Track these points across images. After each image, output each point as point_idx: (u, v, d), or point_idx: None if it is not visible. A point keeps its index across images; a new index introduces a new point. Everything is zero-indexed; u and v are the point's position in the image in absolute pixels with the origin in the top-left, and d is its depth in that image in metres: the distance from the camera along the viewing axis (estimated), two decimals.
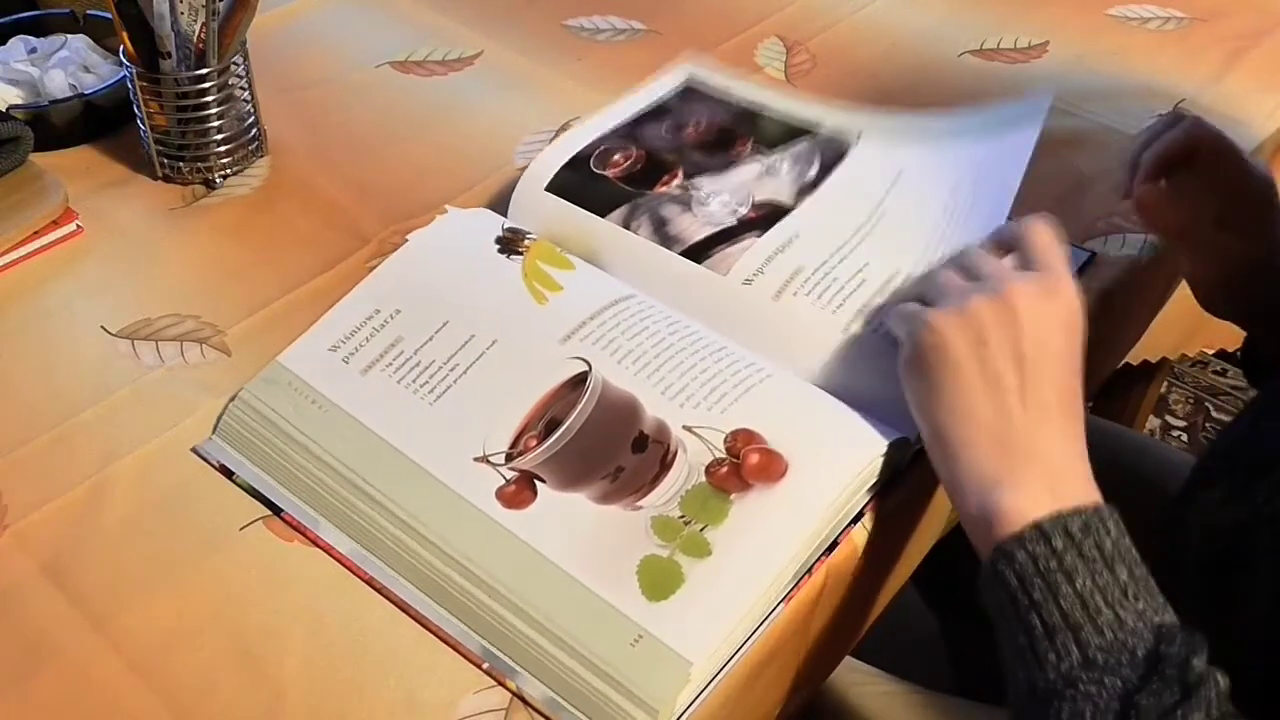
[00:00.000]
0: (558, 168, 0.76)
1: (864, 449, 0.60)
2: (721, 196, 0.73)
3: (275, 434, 0.63)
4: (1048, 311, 0.56)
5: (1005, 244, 0.61)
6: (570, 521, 0.58)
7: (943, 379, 0.56)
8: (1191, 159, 0.70)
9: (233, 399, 0.66)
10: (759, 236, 0.70)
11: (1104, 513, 0.52)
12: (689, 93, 0.82)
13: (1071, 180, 0.85)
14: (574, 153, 0.77)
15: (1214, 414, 1.73)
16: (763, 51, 0.99)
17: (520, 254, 0.71)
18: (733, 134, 0.79)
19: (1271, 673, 0.54)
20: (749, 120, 0.80)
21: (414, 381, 0.65)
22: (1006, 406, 0.55)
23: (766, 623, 0.56)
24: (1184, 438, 1.70)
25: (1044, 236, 0.59)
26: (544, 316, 0.67)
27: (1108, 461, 0.93)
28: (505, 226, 0.73)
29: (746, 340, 0.65)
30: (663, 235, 0.71)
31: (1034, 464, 0.54)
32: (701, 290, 0.68)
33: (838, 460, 0.60)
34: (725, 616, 0.55)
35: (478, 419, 0.62)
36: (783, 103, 0.81)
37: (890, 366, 0.61)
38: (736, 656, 0.55)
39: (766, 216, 0.72)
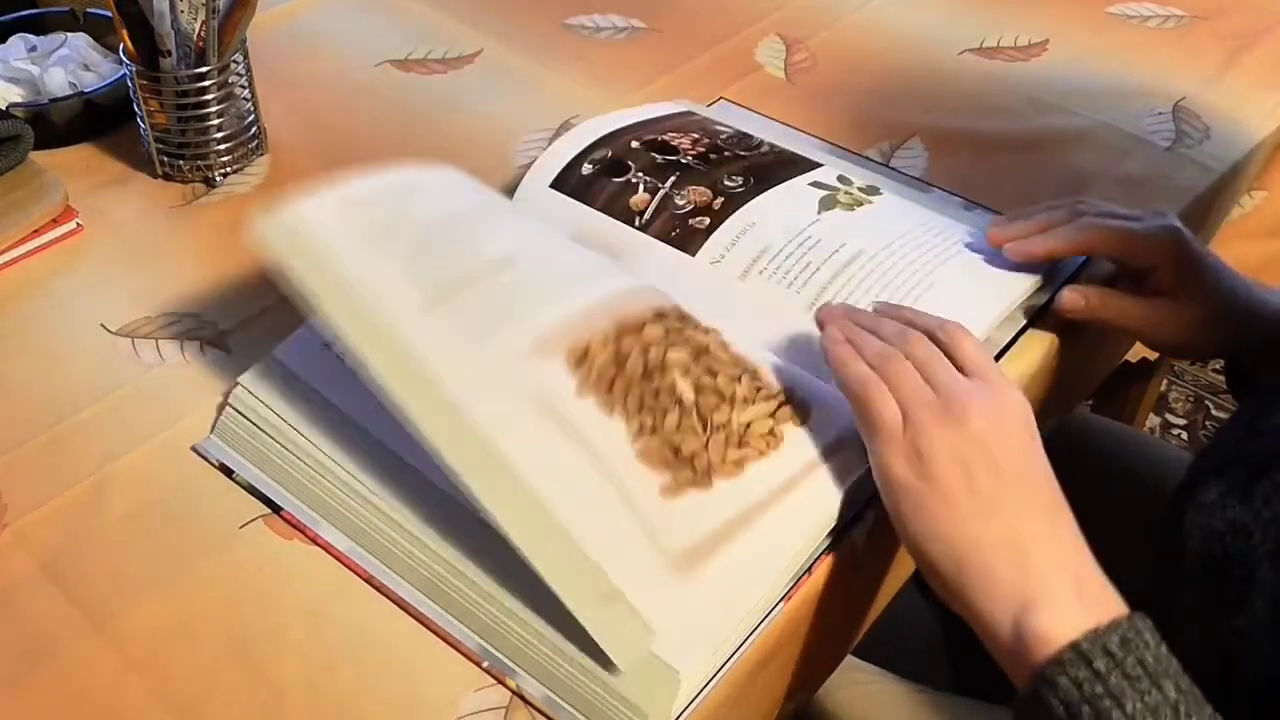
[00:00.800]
0: (562, 166, 0.76)
1: (860, 453, 0.60)
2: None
3: (269, 429, 0.63)
4: (1007, 421, 0.55)
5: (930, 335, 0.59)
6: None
7: (938, 514, 0.55)
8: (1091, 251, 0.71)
9: (228, 393, 0.66)
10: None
11: (1139, 623, 0.51)
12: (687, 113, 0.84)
13: (1071, 179, 0.85)
14: (576, 153, 0.77)
15: (1214, 412, 1.73)
16: (763, 50, 0.99)
17: None
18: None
19: (1272, 673, 0.54)
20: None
21: None
22: (1010, 524, 0.54)
23: (764, 625, 0.56)
24: (1184, 436, 1.70)
25: (970, 345, 0.58)
26: None
27: (1108, 460, 0.92)
28: None
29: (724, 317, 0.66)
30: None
31: (1056, 573, 0.53)
32: (675, 270, 0.70)
33: (835, 465, 0.59)
34: (721, 621, 0.54)
35: None
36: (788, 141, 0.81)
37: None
38: (734, 658, 0.55)
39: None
